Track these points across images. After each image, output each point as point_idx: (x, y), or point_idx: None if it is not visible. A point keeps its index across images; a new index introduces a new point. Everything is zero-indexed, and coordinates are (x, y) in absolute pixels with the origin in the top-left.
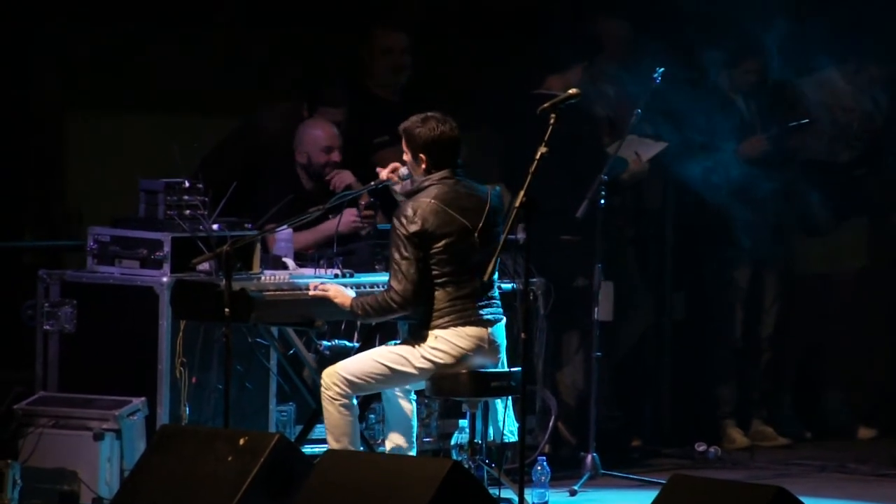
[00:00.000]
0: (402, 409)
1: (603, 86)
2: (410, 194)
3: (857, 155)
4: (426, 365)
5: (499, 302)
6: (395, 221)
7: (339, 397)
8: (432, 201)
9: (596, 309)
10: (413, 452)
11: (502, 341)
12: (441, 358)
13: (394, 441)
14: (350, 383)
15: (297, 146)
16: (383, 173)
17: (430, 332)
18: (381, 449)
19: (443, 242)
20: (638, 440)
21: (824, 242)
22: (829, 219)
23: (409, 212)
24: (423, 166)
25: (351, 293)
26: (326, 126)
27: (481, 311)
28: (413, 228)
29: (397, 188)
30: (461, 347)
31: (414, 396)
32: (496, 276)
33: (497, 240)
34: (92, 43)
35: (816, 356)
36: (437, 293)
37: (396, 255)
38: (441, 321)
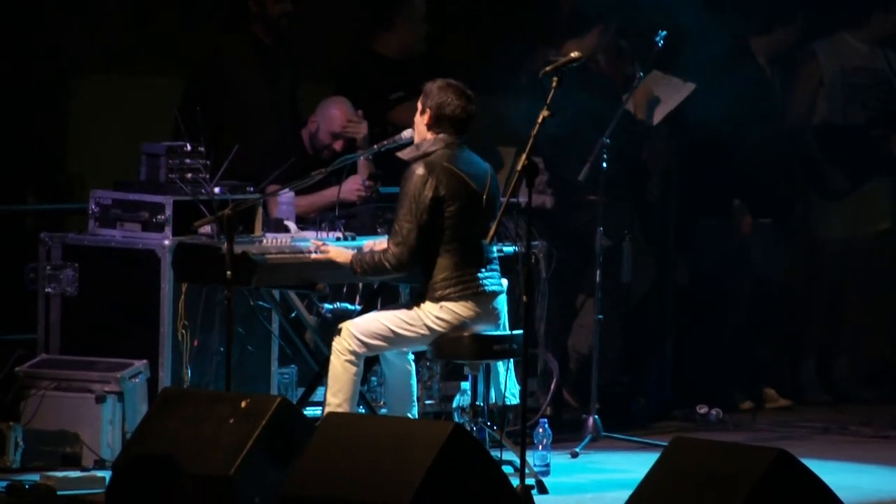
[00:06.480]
0: (402, 371)
1: (621, 41)
2: (417, 158)
3: (874, 116)
4: (427, 332)
5: (499, 272)
6: (408, 183)
7: (345, 352)
8: (446, 164)
9: (598, 272)
10: (413, 414)
11: (503, 308)
12: (443, 327)
13: (394, 403)
14: (357, 341)
15: (315, 113)
16: (312, 254)
17: (436, 301)
18: (382, 411)
19: (454, 206)
20: (642, 398)
21: (844, 206)
22: (847, 183)
23: (423, 171)
24: (427, 122)
25: (351, 251)
26: (345, 109)
27: (484, 282)
28: (428, 192)
29: (402, 154)
30: (462, 316)
31: (412, 357)
32: (494, 248)
33: (497, 211)
34: (93, 6)
35: (828, 320)
36: (441, 260)
37: (401, 218)
38: (446, 291)
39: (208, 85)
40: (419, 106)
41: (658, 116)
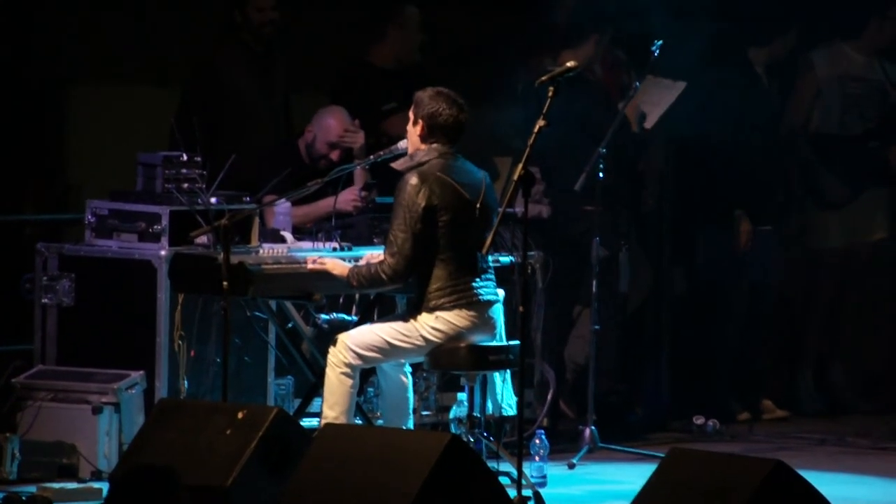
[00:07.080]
0: (398, 382)
1: (617, 51)
2: (411, 168)
3: (871, 127)
4: (423, 343)
5: (494, 282)
6: (401, 193)
7: (341, 364)
8: (439, 174)
9: (594, 282)
10: (409, 425)
11: (499, 318)
12: (439, 337)
13: (390, 414)
14: (353, 353)
15: (312, 122)
16: (309, 265)
17: (431, 312)
18: (378, 422)
19: (447, 216)
20: (639, 409)
21: (841, 216)
22: (845, 192)
23: (416, 181)
24: (419, 133)
25: (348, 264)
26: (342, 118)
27: (479, 291)
28: (421, 201)
29: (396, 165)
30: (458, 326)
31: (409, 369)
32: (490, 258)
33: (493, 220)
34: (92, 15)
35: (825, 330)
36: (437, 270)
37: (395, 228)
38: (440, 301)
39: (204, 92)
40: (411, 116)
41: (652, 119)
